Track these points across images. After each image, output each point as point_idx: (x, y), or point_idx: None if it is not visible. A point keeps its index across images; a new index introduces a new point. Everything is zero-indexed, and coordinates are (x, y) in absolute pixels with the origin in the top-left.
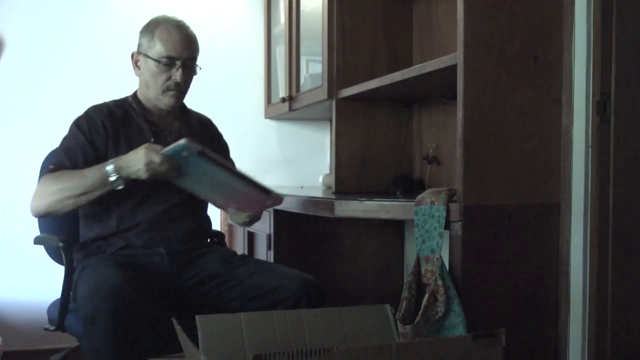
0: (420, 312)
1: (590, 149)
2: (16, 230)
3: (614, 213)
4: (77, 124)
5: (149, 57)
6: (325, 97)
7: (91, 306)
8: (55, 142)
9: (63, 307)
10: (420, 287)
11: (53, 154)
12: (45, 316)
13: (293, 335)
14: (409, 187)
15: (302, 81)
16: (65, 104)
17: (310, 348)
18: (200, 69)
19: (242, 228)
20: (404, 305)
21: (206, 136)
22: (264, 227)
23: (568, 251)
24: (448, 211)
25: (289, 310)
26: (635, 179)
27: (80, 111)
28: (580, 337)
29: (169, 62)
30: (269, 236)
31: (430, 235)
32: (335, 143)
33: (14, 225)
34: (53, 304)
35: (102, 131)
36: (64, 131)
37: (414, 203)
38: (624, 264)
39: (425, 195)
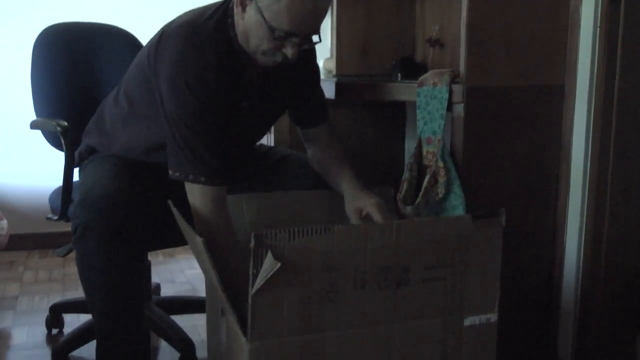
0: (421, 193)
1: (598, 30)
2: (14, 113)
3: (619, 96)
4: (194, 93)
5: (264, 17)
6: None
7: (82, 219)
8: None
9: (65, 196)
10: (421, 169)
11: (189, 145)
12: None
13: (294, 215)
14: (411, 71)
15: None
16: None
17: (311, 227)
18: (320, 41)
19: None
20: (404, 186)
21: (290, 73)
22: None
23: (570, 134)
24: (450, 92)
25: (289, 191)
26: None
27: None
28: (579, 220)
29: (286, 37)
30: None
31: (432, 117)
32: (336, 26)
33: (11, 108)
34: (55, 192)
35: (221, 98)
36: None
37: (416, 84)
38: (625, 147)
39: (428, 77)
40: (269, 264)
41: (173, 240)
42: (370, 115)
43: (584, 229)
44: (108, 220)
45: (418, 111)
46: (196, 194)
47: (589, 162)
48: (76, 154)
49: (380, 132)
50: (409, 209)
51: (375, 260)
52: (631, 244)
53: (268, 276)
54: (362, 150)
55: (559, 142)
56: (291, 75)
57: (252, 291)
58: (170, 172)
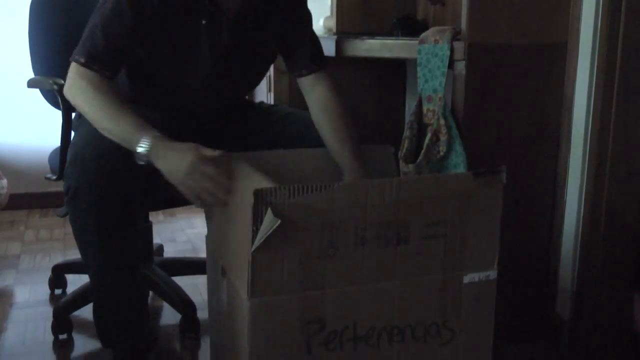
0: (423, 151)
1: None
2: (14, 71)
3: (622, 54)
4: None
5: None
6: None
7: (73, 179)
8: None
9: (63, 156)
10: (421, 127)
11: (92, 29)
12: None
13: (296, 173)
14: (412, 29)
15: None
16: None
17: (312, 184)
18: None
19: None
20: (405, 144)
21: (276, 11)
22: None
23: (572, 91)
24: (452, 50)
25: (291, 149)
26: None
27: None
28: (579, 178)
29: None
30: (268, 77)
31: (433, 74)
32: None
33: (11, 66)
34: (54, 152)
35: (149, 6)
36: None
37: (417, 42)
38: (628, 105)
39: (429, 34)
40: (269, 221)
41: (172, 201)
42: (370, 73)
43: (584, 188)
44: (99, 181)
45: (419, 69)
46: (71, 73)
47: (590, 121)
48: (74, 113)
49: (380, 90)
50: (410, 167)
51: (375, 217)
52: (631, 203)
53: (268, 233)
54: (363, 109)
55: (561, 100)
56: (278, 14)
57: (252, 249)
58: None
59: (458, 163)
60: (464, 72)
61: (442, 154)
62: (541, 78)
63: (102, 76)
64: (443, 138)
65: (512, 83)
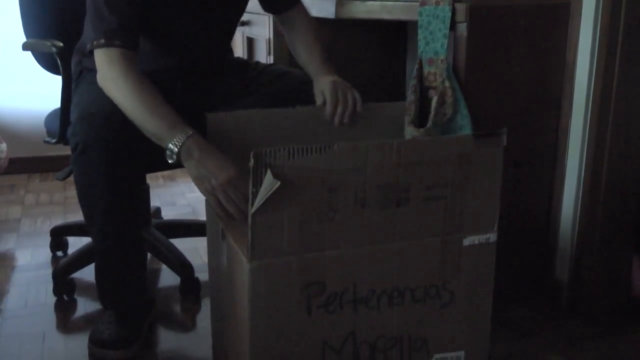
0: (432, 115)
1: None
2: (9, 33)
3: (625, 16)
4: None
5: None
6: None
7: (82, 135)
8: None
9: (63, 119)
10: (422, 91)
11: (97, 10)
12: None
13: (295, 133)
14: None
15: None
16: None
17: (311, 145)
18: None
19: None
20: (413, 108)
21: None
22: (263, 31)
23: (575, 54)
24: (454, 11)
25: (289, 108)
26: None
27: None
28: (580, 140)
29: None
30: (268, 41)
31: (434, 37)
32: None
33: (6, 28)
34: (50, 115)
35: None
36: None
37: (418, 3)
38: (630, 67)
39: None
40: (269, 183)
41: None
42: (371, 35)
43: (585, 150)
44: (109, 137)
45: (419, 31)
46: (99, 63)
47: (592, 83)
48: (72, 73)
49: (381, 52)
50: (422, 131)
51: (375, 179)
52: (632, 166)
53: (267, 195)
54: (363, 71)
55: (563, 62)
56: None
57: (251, 210)
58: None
59: (464, 125)
60: (465, 33)
61: (448, 116)
62: (543, 39)
63: (127, 50)
64: (449, 100)
65: (514, 45)
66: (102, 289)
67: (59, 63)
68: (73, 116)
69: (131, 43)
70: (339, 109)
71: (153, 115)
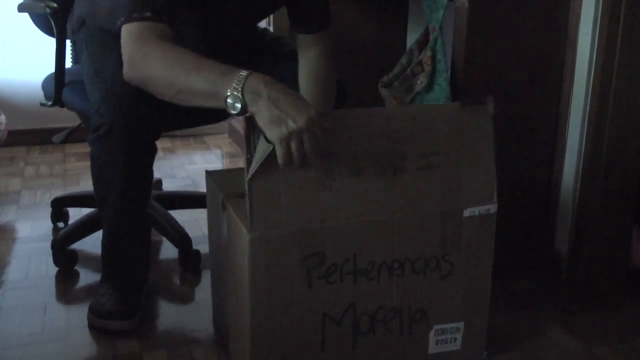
0: (401, 77)
1: None
2: (4, 4)
3: None
4: None
5: None
6: None
7: (108, 116)
8: None
9: (58, 81)
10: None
11: None
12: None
13: None
14: None
15: None
16: None
17: None
18: None
19: None
20: (395, 69)
21: None
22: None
23: (577, 25)
24: None
25: None
26: None
27: None
28: (582, 111)
29: None
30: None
31: (437, 5)
32: None
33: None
34: (47, 78)
35: None
36: None
37: None
38: (633, 39)
39: None
40: (262, 147)
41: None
42: (371, 7)
43: (586, 122)
44: (135, 121)
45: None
46: (125, 45)
47: (594, 53)
48: (67, 26)
49: (381, 25)
50: (384, 91)
51: (368, 146)
52: (632, 139)
53: (262, 159)
54: (363, 44)
55: (565, 32)
56: None
57: (247, 176)
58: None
59: (440, 98)
60: (466, 4)
61: (422, 85)
62: (546, 9)
63: (160, 23)
64: (427, 69)
65: (516, 14)
66: (109, 266)
67: (53, 24)
68: (94, 88)
69: (166, 16)
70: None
71: (200, 71)
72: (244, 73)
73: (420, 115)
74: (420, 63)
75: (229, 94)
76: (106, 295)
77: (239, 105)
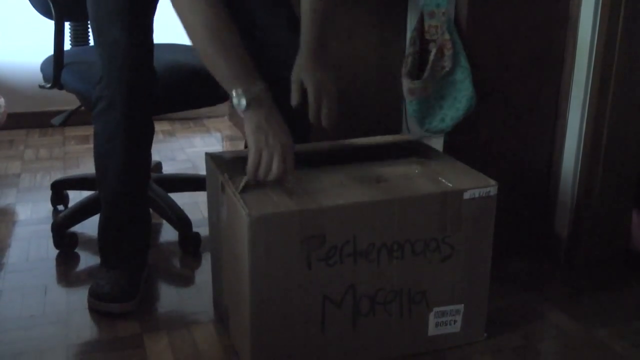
0: (429, 66)
1: None
2: None
3: None
4: None
5: None
6: None
7: (111, 88)
8: None
9: (57, 63)
10: (423, 44)
11: None
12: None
13: None
14: None
15: None
16: None
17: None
18: None
19: None
20: (409, 60)
21: None
22: None
23: (579, 6)
24: None
25: None
26: None
27: None
28: (583, 93)
29: None
30: None
31: None
32: None
33: None
34: (46, 61)
35: None
36: None
37: None
38: (634, 22)
39: None
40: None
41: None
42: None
43: (587, 104)
44: (135, 90)
45: None
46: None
47: (596, 36)
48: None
49: (381, 5)
50: (417, 83)
51: (345, 176)
52: (633, 121)
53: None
54: (363, 24)
55: (567, 13)
56: None
57: (239, 189)
58: None
59: (463, 79)
60: None
61: (447, 69)
62: None
63: None
64: (448, 53)
65: None
66: (106, 247)
67: (51, 6)
68: (97, 50)
69: None
70: (323, 111)
71: (229, 57)
72: (261, 85)
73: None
74: (440, 48)
75: (241, 92)
76: (105, 278)
77: (243, 104)
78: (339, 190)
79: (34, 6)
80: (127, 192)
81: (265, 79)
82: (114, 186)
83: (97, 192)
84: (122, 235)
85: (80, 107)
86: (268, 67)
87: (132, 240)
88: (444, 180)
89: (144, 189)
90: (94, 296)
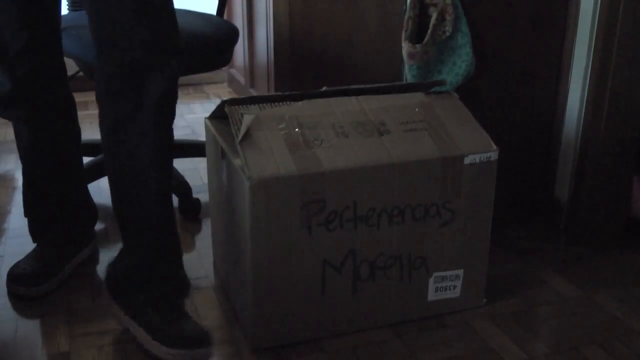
0: (430, 31)
1: None
2: None
3: None
4: None
5: None
6: None
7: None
8: None
9: None
10: (423, 7)
11: None
12: None
13: None
14: None
15: None
16: None
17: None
18: None
19: None
20: (409, 25)
21: None
22: None
23: None
24: None
25: None
26: None
27: None
28: (585, 59)
29: None
30: None
31: None
32: None
33: None
34: None
35: None
36: None
37: None
38: None
39: None
40: (247, 120)
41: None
42: None
43: (589, 70)
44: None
45: None
46: None
47: (599, 2)
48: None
49: None
50: (418, 47)
51: (347, 118)
52: (635, 88)
53: (248, 124)
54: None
55: None
56: None
57: (237, 139)
58: None
59: (464, 44)
60: None
61: (448, 34)
62: None
63: None
64: (449, 18)
65: None
66: (30, 222)
67: None
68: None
69: None
70: None
71: None
72: None
73: (389, 99)
74: (441, 12)
75: None
76: (27, 258)
77: None
78: (339, 141)
79: None
80: (40, 168)
81: None
82: (25, 161)
83: (97, 157)
84: (41, 211)
85: (78, 72)
86: None
87: (51, 217)
88: (445, 137)
89: (60, 163)
90: (8, 277)
